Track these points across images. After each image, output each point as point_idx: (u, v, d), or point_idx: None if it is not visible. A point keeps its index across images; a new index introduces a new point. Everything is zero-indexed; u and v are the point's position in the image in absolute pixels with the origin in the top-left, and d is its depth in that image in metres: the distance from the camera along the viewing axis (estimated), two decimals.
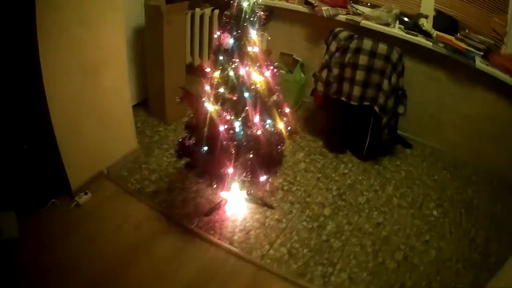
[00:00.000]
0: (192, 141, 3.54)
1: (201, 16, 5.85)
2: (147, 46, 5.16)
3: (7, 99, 3.40)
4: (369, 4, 5.57)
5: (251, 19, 3.14)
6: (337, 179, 4.74)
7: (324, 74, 4.88)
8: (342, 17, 5.32)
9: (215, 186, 3.71)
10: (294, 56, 5.77)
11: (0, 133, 3.45)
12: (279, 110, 3.51)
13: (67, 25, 3.48)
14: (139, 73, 5.25)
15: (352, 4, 5.54)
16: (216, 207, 4.06)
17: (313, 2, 5.35)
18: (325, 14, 5.21)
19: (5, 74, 3.32)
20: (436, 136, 5.54)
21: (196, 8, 5.76)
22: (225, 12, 3.22)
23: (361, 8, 5.50)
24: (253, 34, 3.19)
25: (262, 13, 3.20)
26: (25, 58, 3.33)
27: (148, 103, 5.55)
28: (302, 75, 5.75)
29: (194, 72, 5.90)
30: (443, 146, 5.50)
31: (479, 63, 4.70)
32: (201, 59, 6.19)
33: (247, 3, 3.09)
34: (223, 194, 4.01)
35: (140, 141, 4.88)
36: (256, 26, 3.20)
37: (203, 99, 3.35)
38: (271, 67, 3.36)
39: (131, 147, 4.74)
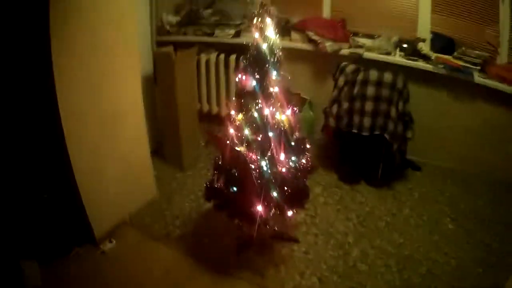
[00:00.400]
0: (220, 182, 3.61)
1: (207, 62, 5.94)
2: (159, 93, 5.25)
3: (27, 149, 3.52)
4: (369, 35, 5.69)
5: (272, 59, 3.25)
6: (355, 208, 4.80)
7: (334, 109, 5.00)
8: (345, 51, 5.44)
9: (242, 225, 3.80)
10: (301, 95, 5.85)
11: (21, 182, 3.54)
12: (302, 146, 3.63)
13: (87, 72, 3.61)
14: (150, 121, 5.05)
15: (353, 37, 5.63)
16: (244, 245, 4.09)
17: (316, 39, 5.43)
18: (329, 50, 5.33)
19: (25, 123, 3.45)
20: (442, 155, 5.65)
21: (202, 54, 5.86)
22: (245, 55, 3.35)
23: (361, 40, 5.59)
24: (274, 74, 3.29)
25: (281, 53, 3.30)
26: (44, 106, 3.43)
27: (162, 150, 5.58)
28: (311, 112, 5.84)
29: (204, 119, 6.16)
30: (450, 163, 5.60)
31: (477, 78, 4.88)
32: (209, 105, 6.26)
33: (267, 45, 3.20)
34: (250, 232, 3.97)
35: (159, 188, 4.89)
36: (277, 66, 3.30)
37: (229, 141, 3.41)
38: (292, 106, 3.47)
39: (151, 195, 4.76)
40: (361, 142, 5.00)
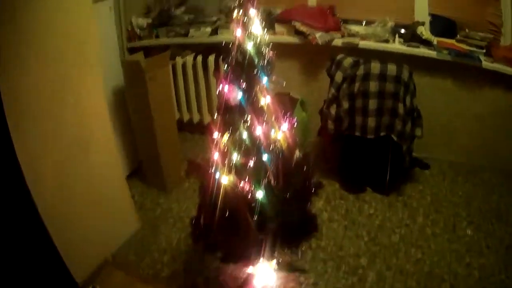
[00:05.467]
0: (208, 220, 3.01)
1: (183, 65, 5.44)
2: (131, 108, 4.70)
3: None
4: (362, 21, 5.16)
5: (260, 62, 2.60)
6: (364, 223, 4.31)
7: (333, 109, 4.43)
8: (337, 42, 4.89)
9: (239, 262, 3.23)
10: (290, 95, 5.19)
11: None
12: (305, 167, 3.08)
13: (43, 99, 3.15)
14: (126, 139, 4.71)
15: (345, 25, 5.12)
16: (244, 284, 3.48)
17: (304, 30, 4.89)
18: (319, 42, 4.76)
19: None
20: (450, 149, 5.23)
21: (177, 57, 5.37)
22: (226, 59, 2.71)
23: (354, 28, 5.08)
24: (265, 81, 2.64)
25: (271, 52, 2.69)
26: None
27: (142, 171, 5.05)
28: (304, 113, 5.21)
29: (184, 128, 5.76)
30: (460, 157, 5.21)
31: (485, 62, 4.51)
32: (190, 113, 5.77)
33: (252, 44, 2.54)
34: (249, 269, 3.42)
35: (141, 217, 4.38)
36: (267, 71, 2.67)
37: (213, 169, 2.82)
38: (289, 118, 2.93)
39: (133, 227, 4.26)
40: (365, 146, 4.47)
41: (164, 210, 4.58)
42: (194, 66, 5.40)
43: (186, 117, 5.74)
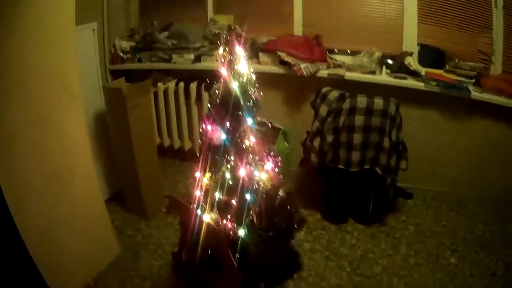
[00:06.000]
0: (187, 256, 2.96)
1: (165, 91, 5.34)
2: (112, 135, 4.62)
3: None
4: (347, 51, 5.13)
5: (246, 102, 2.54)
6: (346, 253, 4.21)
7: (316, 143, 4.34)
8: (323, 73, 4.78)
9: None
10: (273, 124, 4.94)
11: None
12: (288, 207, 3.04)
13: (26, 130, 3.13)
14: (107, 163, 4.66)
15: (330, 56, 5.00)
16: None
17: (289, 61, 4.78)
18: (305, 73, 4.67)
19: None
20: (436, 179, 5.12)
21: (159, 83, 5.27)
22: (210, 98, 2.66)
23: (340, 58, 4.98)
24: (250, 122, 2.57)
25: (257, 94, 2.62)
26: None
27: (122, 195, 4.90)
28: (286, 144, 4.98)
29: (165, 154, 5.68)
30: (444, 187, 5.10)
31: (475, 93, 4.42)
32: (171, 139, 5.66)
33: (237, 84, 2.47)
34: None
35: (121, 243, 4.27)
36: (253, 111, 2.60)
37: (194, 206, 2.77)
38: (274, 158, 2.87)
39: (114, 252, 4.17)
40: (348, 177, 4.36)
41: (144, 237, 4.48)
42: (176, 92, 5.33)
43: (167, 143, 5.65)
